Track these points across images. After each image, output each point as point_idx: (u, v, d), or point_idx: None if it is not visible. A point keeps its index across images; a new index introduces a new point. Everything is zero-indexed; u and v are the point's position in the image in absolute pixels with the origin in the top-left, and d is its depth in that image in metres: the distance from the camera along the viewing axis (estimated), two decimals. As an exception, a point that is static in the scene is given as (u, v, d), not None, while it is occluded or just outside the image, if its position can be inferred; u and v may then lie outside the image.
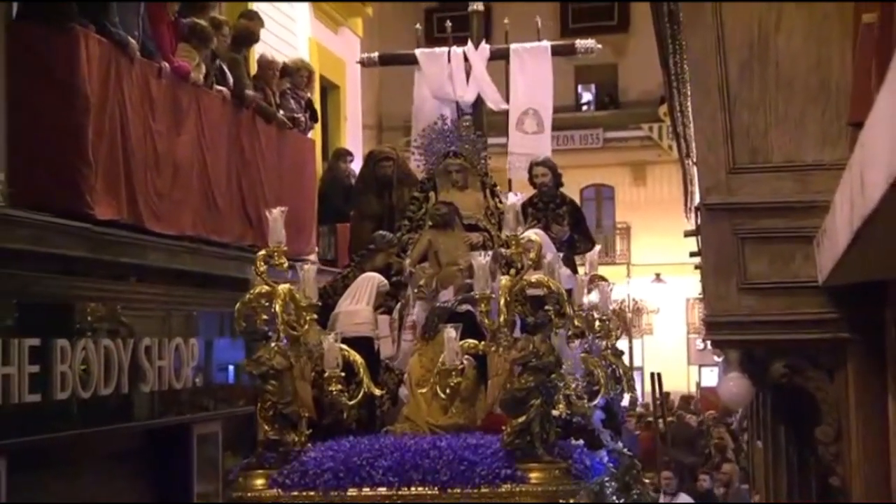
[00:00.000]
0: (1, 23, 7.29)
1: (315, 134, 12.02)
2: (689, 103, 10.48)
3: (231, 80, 9.79)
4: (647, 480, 8.62)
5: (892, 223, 3.12)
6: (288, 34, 12.56)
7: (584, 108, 33.29)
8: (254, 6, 11.41)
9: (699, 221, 6.77)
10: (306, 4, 13.42)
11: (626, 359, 7.81)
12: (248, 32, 10.40)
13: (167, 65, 8.61)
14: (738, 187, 5.66)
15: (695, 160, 12.36)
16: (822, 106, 5.55)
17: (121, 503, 8.48)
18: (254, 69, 10.75)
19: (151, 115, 8.35)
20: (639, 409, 22.71)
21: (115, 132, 7.80)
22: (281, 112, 10.71)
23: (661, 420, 20.55)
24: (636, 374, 26.89)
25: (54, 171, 7.35)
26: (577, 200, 31.10)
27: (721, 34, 5.65)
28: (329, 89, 14.18)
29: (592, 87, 33.25)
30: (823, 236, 4.85)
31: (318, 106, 12.30)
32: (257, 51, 11.08)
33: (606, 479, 6.41)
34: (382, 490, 5.50)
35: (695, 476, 14.84)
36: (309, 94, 11.65)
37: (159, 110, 8.47)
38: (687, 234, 16.29)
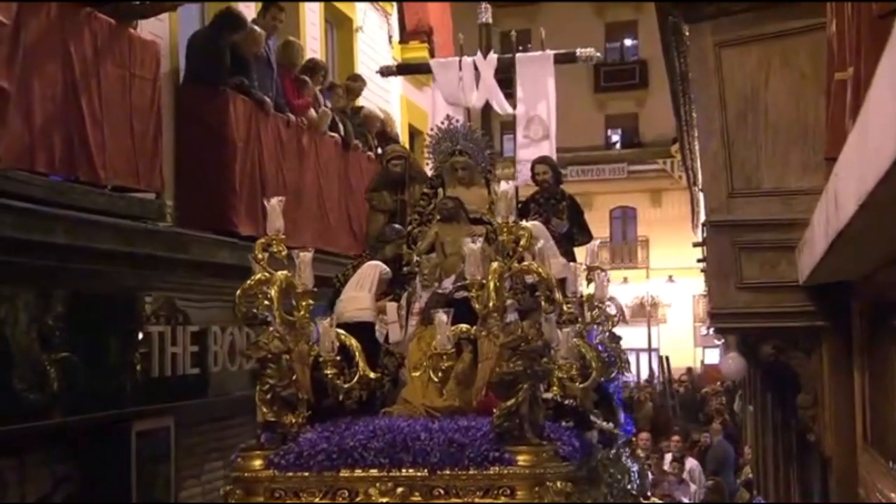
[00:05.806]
0: (171, 86, 7.45)
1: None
2: (696, 143, 10.41)
3: (341, 128, 9.89)
4: (642, 453, 7.82)
5: (860, 237, 3.10)
6: (384, 92, 12.64)
7: (613, 147, 33.30)
8: (358, 71, 11.50)
9: (704, 235, 6.74)
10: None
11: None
12: (353, 91, 10.48)
13: (293, 117, 8.72)
14: (736, 208, 5.63)
15: (700, 187, 12.25)
16: (802, 145, 5.51)
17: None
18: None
19: (282, 155, 8.42)
20: (656, 383, 22.52)
21: (254, 168, 7.89)
22: (379, 152, 10.78)
23: (669, 394, 20.34)
24: (653, 354, 26.68)
25: (209, 198, 7.45)
26: (608, 220, 31.35)
27: (722, 90, 5.63)
28: (416, 134, 14.23)
29: (619, 130, 33.44)
30: (804, 246, 4.80)
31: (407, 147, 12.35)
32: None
33: (596, 458, 5.40)
34: (374, 471, 4.45)
35: (697, 440, 14.57)
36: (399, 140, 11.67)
37: (287, 152, 8.54)
38: (694, 245, 16.15)
